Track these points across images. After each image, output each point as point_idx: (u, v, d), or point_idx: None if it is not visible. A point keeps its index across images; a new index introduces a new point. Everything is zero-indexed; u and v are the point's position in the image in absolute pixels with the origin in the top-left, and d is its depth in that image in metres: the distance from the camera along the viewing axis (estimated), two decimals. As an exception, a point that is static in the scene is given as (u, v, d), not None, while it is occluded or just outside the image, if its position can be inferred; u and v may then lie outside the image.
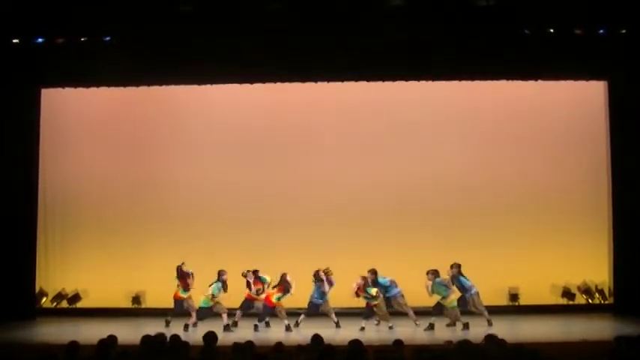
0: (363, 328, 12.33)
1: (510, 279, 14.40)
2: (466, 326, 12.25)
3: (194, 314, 12.73)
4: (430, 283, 12.45)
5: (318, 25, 13.11)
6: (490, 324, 12.40)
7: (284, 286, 12.71)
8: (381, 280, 12.94)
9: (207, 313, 12.68)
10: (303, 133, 15.00)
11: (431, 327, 12.28)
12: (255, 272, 12.96)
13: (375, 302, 12.63)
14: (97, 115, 15.26)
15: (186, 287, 12.86)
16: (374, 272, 12.89)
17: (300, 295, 12.85)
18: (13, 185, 14.03)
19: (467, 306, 12.62)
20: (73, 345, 7.21)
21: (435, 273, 12.47)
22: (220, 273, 12.75)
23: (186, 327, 12.47)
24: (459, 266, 12.69)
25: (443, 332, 11.85)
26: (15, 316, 13.40)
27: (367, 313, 12.71)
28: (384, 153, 14.91)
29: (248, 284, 12.92)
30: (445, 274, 12.54)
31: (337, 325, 12.65)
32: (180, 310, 12.87)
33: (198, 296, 12.83)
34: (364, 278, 12.68)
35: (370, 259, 13.39)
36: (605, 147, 14.35)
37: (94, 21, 13.18)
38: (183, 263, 12.88)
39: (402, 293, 13.02)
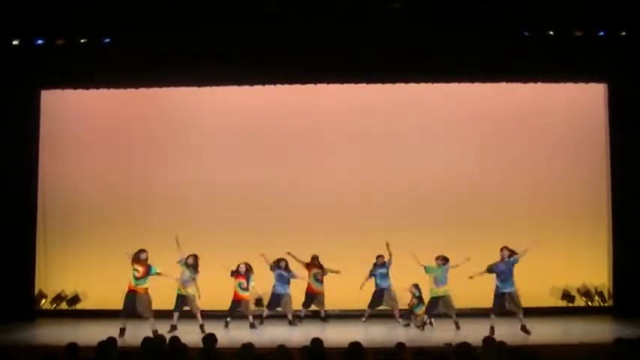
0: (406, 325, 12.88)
1: (510, 281, 14.39)
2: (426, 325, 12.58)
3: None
4: (434, 266, 12.64)
5: (317, 27, 13.12)
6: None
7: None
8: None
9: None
10: (302, 135, 14.99)
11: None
12: (247, 265, 13.02)
13: (420, 311, 12.89)
14: (97, 116, 15.24)
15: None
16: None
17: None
18: (13, 187, 14.01)
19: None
20: (72, 347, 7.20)
21: (444, 259, 12.67)
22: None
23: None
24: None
25: (442, 334, 11.84)
26: (14, 318, 13.38)
27: (407, 316, 13.04)
28: (384, 154, 14.89)
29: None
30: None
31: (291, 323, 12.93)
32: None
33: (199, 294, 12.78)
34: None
35: (370, 260, 13.44)
36: (605, 149, 14.32)
37: (93, 22, 13.21)
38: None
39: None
